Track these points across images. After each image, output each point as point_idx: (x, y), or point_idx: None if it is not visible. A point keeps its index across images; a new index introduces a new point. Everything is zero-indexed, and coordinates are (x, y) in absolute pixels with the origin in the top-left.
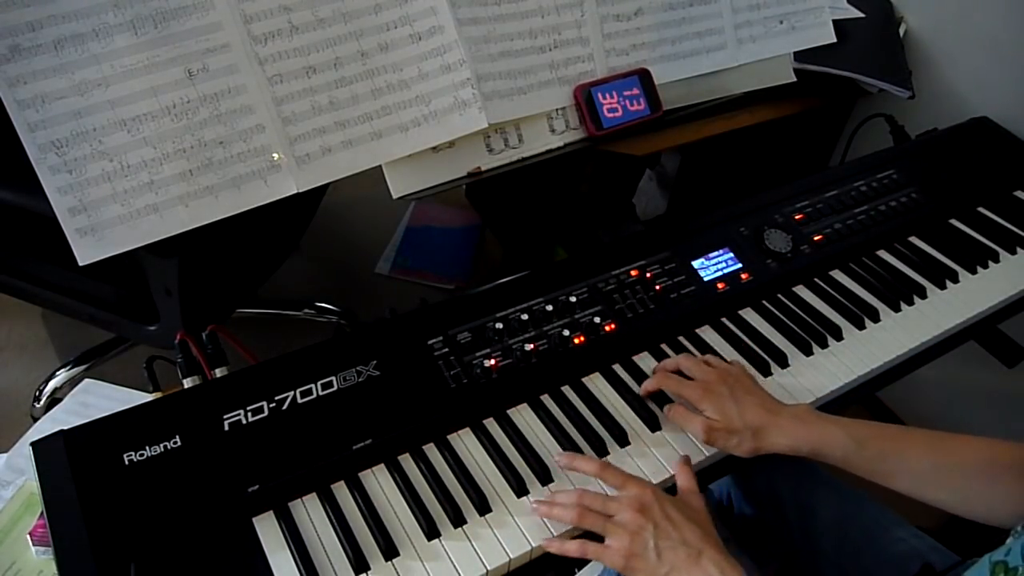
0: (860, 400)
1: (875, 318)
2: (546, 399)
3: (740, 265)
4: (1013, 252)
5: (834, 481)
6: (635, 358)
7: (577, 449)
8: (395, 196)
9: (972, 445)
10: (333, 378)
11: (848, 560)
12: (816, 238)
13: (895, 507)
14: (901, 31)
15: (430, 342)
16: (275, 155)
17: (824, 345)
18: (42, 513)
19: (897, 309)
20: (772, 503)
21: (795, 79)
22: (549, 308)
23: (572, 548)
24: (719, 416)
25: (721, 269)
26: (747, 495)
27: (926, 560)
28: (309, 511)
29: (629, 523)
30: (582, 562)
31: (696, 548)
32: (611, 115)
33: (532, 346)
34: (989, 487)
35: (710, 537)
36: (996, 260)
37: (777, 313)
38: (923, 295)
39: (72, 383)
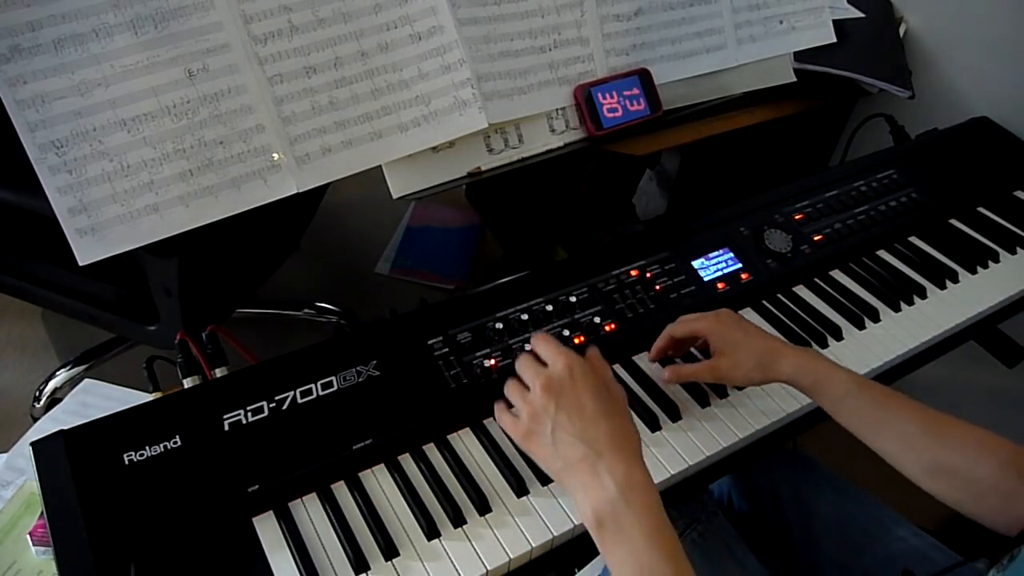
0: None
1: (875, 318)
2: None
3: (740, 265)
4: (1013, 252)
5: (835, 479)
6: (635, 358)
7: None
8: (395, 196)
9: (965, 426)
10: (333, 378)
11: (848, 559)
12: (816, 238)
13: (896, 506)
14: (901, 31)
15: (430, 342)
16: (275, 155)
17: (824, 345)
18: (42, 513)
19: (897, 309)
20: (772, 502)
21: (795, 79)
22: (549, 308)
23: (496, 411)
24: (725, 348)
25: (721, 269)
26: (747, 494)
27: (923, 558)
28: (309, 511)
29: (534, 402)
30: (582, 561)
31: (595, 450)
32: (611, 115)
33: None
34: (970, 469)
35: (619, 439)
36: (996, 260)
37: (777, 313)
38: (923, 295)
39: (72, 383)
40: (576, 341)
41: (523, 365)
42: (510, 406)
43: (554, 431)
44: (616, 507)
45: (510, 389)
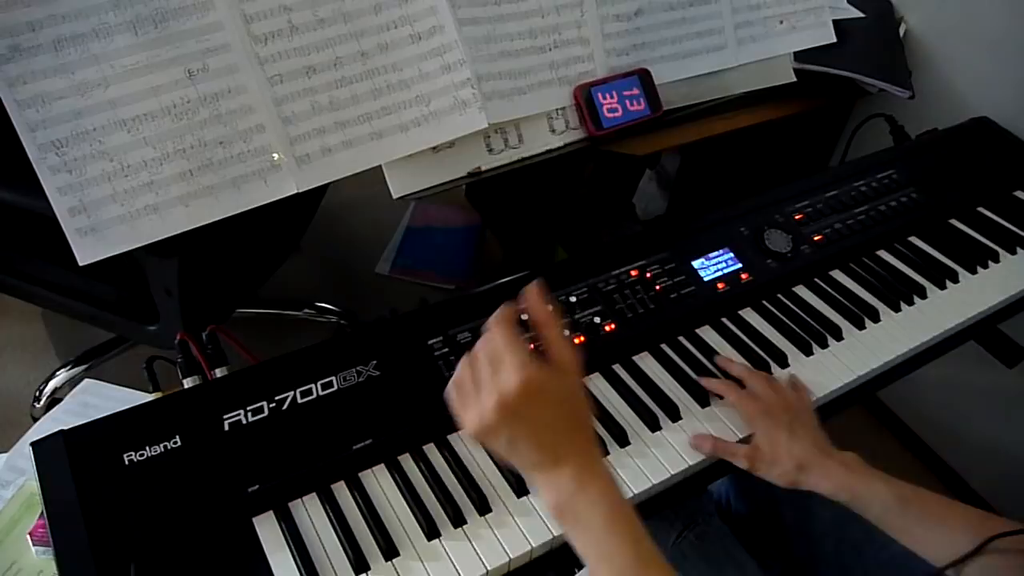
0: (860, 400)
1: (875, 318)
2: None
3: (740, 265)
4: (1013, 252)
5: None
6: (635, 358)
7: None
8: (395, 196)
9: (1011, 525)
10: (333, 378)
11: (848, 560)
12: (816, 238)
13: None
14: (901, 31)
15: (430, 342)
16: (275, 155)
17: (824, 345)
18: (42, 513)
19: (897, 309)
20: (770, 504)
21: (795, 79)
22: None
23: (449, 390)
24: (767, 442)
25: (721, 269)
26: (746, 496)
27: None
28: (309, 511)
29: (486, 415)
30: (581, 562)
31: (552, 457)
32: (611, 115)
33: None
34: (1019, 567)
35: (576, 441)
36: (996, 260)
37: (777, 313)
38: (923, 295)
39: (72, 383)
40: (576, 341)
41: (481, 361)
42: None
43: (510, 441)
44: (575, 499)
45: (464, 378)
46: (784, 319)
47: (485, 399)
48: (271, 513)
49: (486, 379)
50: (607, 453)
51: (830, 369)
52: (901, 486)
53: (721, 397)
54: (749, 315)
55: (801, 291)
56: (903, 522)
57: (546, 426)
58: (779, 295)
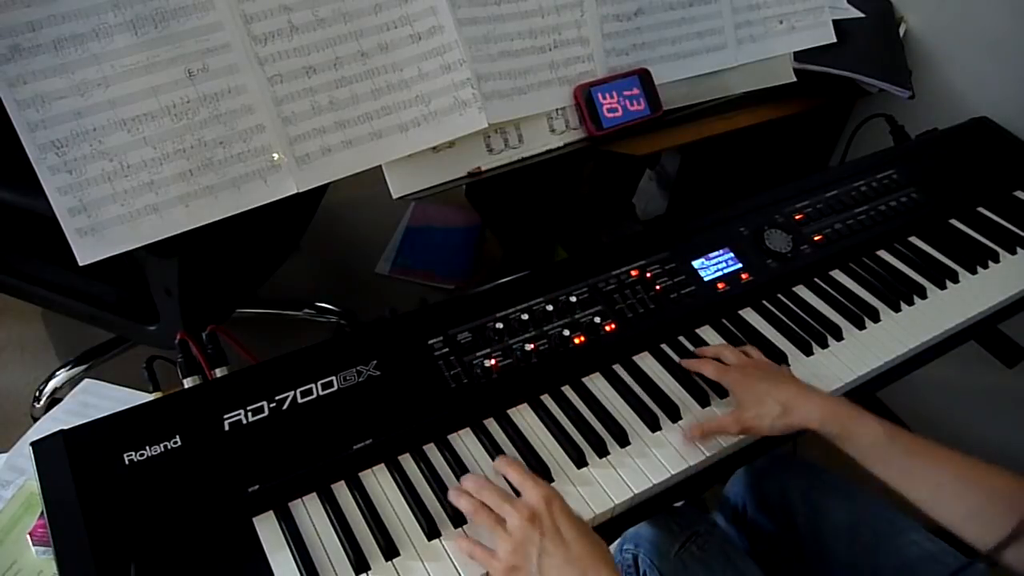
0: (860, 400)
1: (875, 318)
2: (546, 399)
3: (740, 265)
4: (1013, 252)
5: (844, 485)
6: (635, 358)
7: (577, 449)
8: (395, 196)
9: (1000, 473)
10: (333, 378)
11: (860, 564)
12: (816, 238)
13: (906, 510)
14: (901, 31)
15: (430, 342)
16: (275, 155)
17: (824, 345)
18: (42, 513)
19: (897, 309)
20: (783, 510)
21: (795, 79)
22: (549, 308)
23: (463, 547)
24: (749, 397)
25: (721, 269)
26: (760, 503)
27: (935, 561)
28: (309, 511)
29: (516, 532)
30: None
31: (580, 568)
32: (611, 115)
33: (532, 346)
34: (1006, 520)
35: (599, 554)
36: (996, 260)
37: (777, 313)
38: (923, 295)
39: (72, 383)
40: (576, 341)
41: (497, 498)
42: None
43: (540, 557)
44: None
45: (482, 520)
46: (784, 319)
47: (514, 525)
48: (271, 513)
49: (507, 508)
50: (607, 453)
51: (830, 369)
52: (890, 424)
53: (717, 392)
54: (749, 315)
55: (801, 291)
56: (889, 457)
57: (570, 538)
58: (779, 295)
